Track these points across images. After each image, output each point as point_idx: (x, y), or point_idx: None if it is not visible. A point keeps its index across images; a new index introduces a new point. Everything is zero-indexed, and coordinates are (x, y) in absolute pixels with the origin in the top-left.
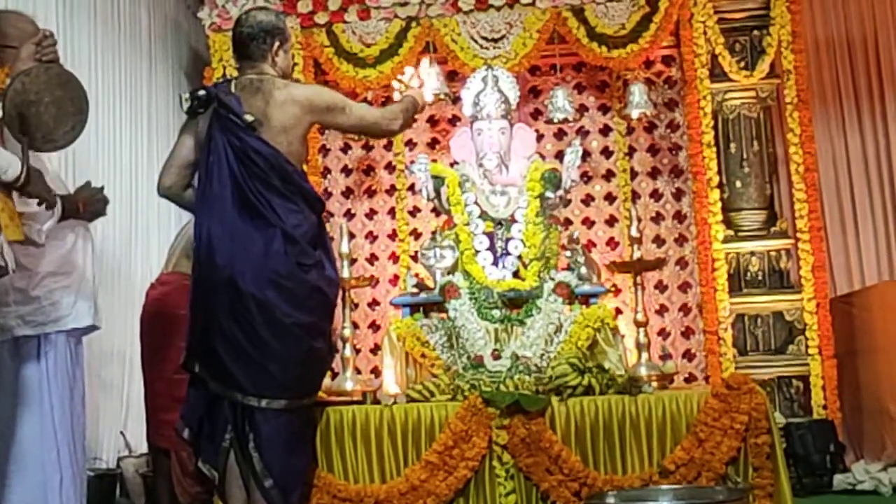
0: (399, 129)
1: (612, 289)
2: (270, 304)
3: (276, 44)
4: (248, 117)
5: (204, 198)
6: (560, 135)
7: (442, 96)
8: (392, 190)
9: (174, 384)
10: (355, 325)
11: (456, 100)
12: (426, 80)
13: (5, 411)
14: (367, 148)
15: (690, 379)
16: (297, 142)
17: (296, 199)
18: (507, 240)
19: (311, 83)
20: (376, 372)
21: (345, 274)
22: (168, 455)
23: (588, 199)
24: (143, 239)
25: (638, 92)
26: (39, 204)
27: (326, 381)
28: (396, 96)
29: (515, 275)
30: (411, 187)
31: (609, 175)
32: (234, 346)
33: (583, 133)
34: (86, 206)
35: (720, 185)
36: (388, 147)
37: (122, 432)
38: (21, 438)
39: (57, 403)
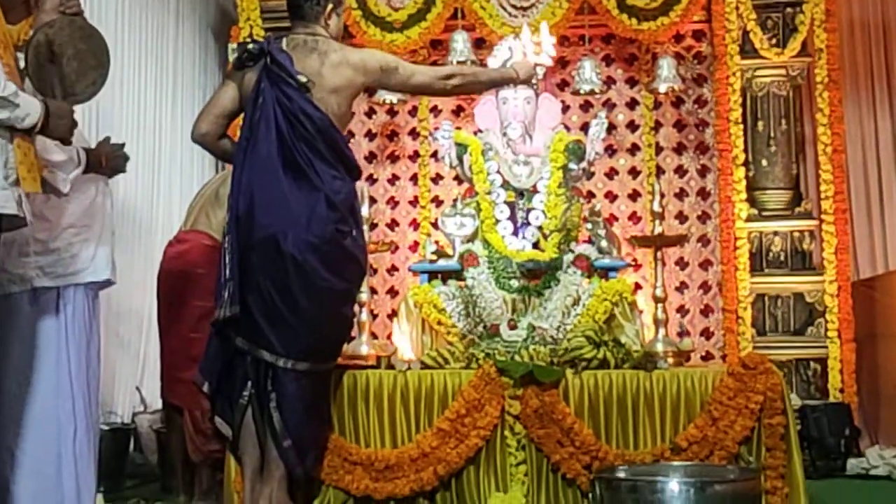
0: (453, 90)
1: (633, 263)
2: (309, 267)
3: (330, 6)
4: (302, 78)
5: (247, 154)
6: (586, 107)
7: (469, 63)
8: (415, 156)
9: (189, 342)
10: (373, 291)
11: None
12: (544, 43)
13: (23, 361)
14: (392, 113)
15: (707, 357)
16: (345, 104)
17: (338, 166)
18: (529, 210)
19: (363, 47)
20: (392, 337)
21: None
22: (181, 413)
23: (612, 173)
24: (165, 197)
25: (667, 66)
26: (66, 144)
27: None
28: (517, 56)
29: (535, 245)
30: (434, 154)
31: (634, 149)
32: (267, 305)
33: (609, 106)
34: (107, 161)
35: (746, 163)
36: (413, 113)
37: (137, 388)
38: (37, 388)
39: (73, 355)
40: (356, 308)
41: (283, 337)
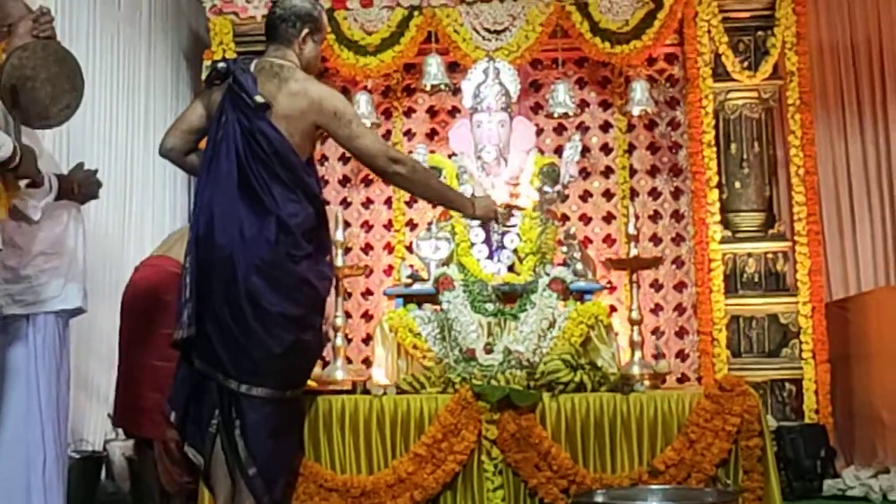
0: (393, 176)
1: (608, 286)
2: (257, 291)
3: (305, 31)
4: (259, 98)
5: (210, 173)
6: (560, 129)
7: (443, 87)
8: None
9: (157, 372)
10: (348, 315)
11: (456, 91)
12: (523, 184)
13: None
14: None
15: (683, 379)
16: (297, 134)
17: (295, 190)
18: (503, 233)
19: (330, 87)
20: (367, 362)
21: (339, 263)
22: (151, 444)
23: (586, 196)
24: (136, 223)
25: (640, 89)
26: (28, 186)
27: (316, 369)
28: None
29: (510, 269)
30: None
31: (608, 172)
32: (222, 328)
33: (583, 129)
34: (80, 187)
35: (719, 186)
36: (387, 137)
37: (109, 415)
38: (7, 417)
39: (44, 384)
40: (331, 333)
41: (236, 361)
